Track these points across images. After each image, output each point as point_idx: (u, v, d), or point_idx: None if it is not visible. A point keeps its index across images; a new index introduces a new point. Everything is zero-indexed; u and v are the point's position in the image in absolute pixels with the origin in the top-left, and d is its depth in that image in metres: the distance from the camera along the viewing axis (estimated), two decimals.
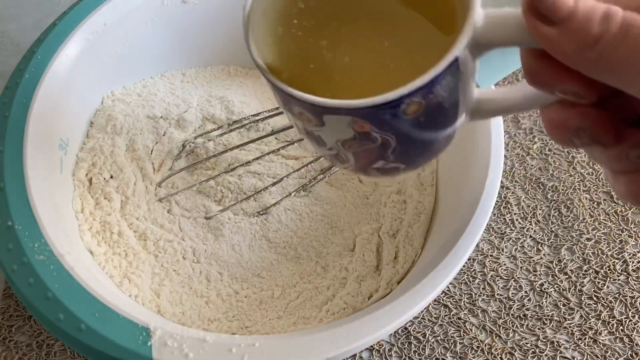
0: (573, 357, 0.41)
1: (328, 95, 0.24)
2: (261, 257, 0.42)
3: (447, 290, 0.44)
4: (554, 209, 0.48)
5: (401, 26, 0.26)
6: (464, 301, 0.43)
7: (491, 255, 0.46)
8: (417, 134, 0.26)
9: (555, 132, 0.23)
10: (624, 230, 0.47)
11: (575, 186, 0.50)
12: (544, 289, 0.44)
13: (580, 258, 0.46)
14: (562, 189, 0.49)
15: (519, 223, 0.48)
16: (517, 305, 0.43)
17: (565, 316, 0.43)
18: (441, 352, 0.41)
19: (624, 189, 0.23)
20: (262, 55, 0.26)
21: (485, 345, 0.41)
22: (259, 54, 0.26)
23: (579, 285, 0.45)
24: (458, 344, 0.41)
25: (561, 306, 0.43)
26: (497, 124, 0.40)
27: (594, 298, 0.44)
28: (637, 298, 0.44)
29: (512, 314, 0.43)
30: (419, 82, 0.23)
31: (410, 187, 0.45)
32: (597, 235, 0.47)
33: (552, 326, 0.43)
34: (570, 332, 0.42)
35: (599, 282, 0.45)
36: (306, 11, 0.27)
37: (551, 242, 0.47)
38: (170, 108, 0.47)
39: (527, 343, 0.42)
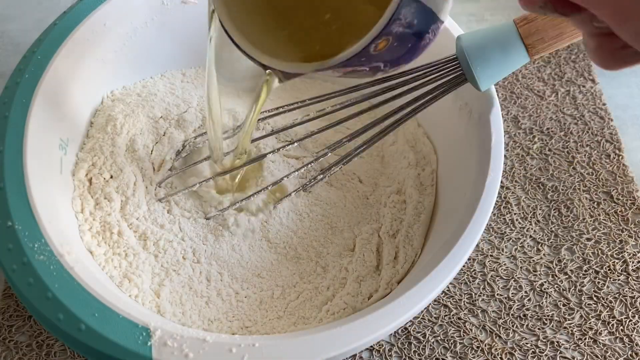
0: (573, 357, 0.41)
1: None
2: (261, 257, 0.42)
3: (447, 290, 0.44)
4: (554, 209, 0.48)
5: None
6: (464, 301, 0.43)
7: (491, 255, 0.46)
8: (399, 52, 0.27)
9: (525, 4, 0.26)
10: (624, 230, 0.47)
11: (575, 186, 0.50)
12: (544, 289, 0.44)
13: (580, 258, 0.46)
14: (562, 189, 0.49)
15: (519, 223, 0.48)
16: (517, 305, 0.43)
17: (565, 316, 0.43)
18: (441, 352, 0.41)
19: (592, 51, 0.26)
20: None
21: (485, 345, 0.41)
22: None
23: (579, 285, 0.44)
24: (458, 344, 0.41)
25: (561, 306, 0.43)
26: (497, 124, 0.40)
27: (594, 298, 0.44)
28: (637, 298, 0.44)
29: (512, 314, 0.43)
30: (374, 31, 0.24)
31: (410, 187, 0.45)
32: (597, 235, 0.47)
33: (552, 326, 0.43)
34: (570, 332, 0.42)
35: (599, 282, 0.45)
36: None
37: (551, 242, 0.47)
38: (170, 108, 0.47)
39: (527, 343, 0.42)
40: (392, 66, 0.28)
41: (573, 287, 0.44)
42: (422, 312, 0.43)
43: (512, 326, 0.42)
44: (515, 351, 0.41)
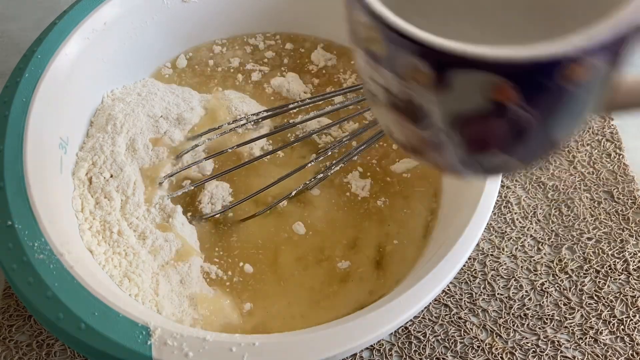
0: (574, 357, 0.41)
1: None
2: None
3: (448, 289, 0.44)
4: (555, 208, 0.48)
5: None
6: (464, 300, 0.43)
7: (492, 255, 0.46)
8: (562, 113, 0.19)
9: None
10: (625, 229, 0.47)
11: (575, 185, 0.50)
12: (545, 288, 0.44)
13: (581, 257, 0.46)
14: (563, 188, 0.49)
15: (520, 222, 0.47)
16: (518, 305, 0.43)
17: (566, 315, 0.43)
18: (441, 352, 0.41)
19: None
20: None
21: (485, 345, 0.41)
22: None
23: (580, 284, 0.44)
24: (458, 343, 0.41)
25: (562, 305, 0.43)
26: None
27: (595, 297, 0.44)
28: (637, 297, 0.44)
29: (512, 314, 0.43)
30: (611, 32, 0.16)
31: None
32: (598, 235, 0.47)
33: (553, 326, 0.42)
34: (571, 331, 0.42)
35: (599, 282, 0.45)
36: None
37: (552, 242, 0.47)
38: (170, 107, 0.47)
39: (527, 342, 0.42)
40: (523, 147, 0.20)
41: (574, 287, 0.44)
42: (422, 311, 0.42)
43: (513, 325, 0.42)
44: (515, 351, 0.41)
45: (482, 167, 0.22)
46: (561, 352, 0.41)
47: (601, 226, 0.47)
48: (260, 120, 0.47)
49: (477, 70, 0.17)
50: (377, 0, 0.18)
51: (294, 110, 0.48)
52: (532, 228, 0.47)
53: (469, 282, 0.44)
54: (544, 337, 0.42)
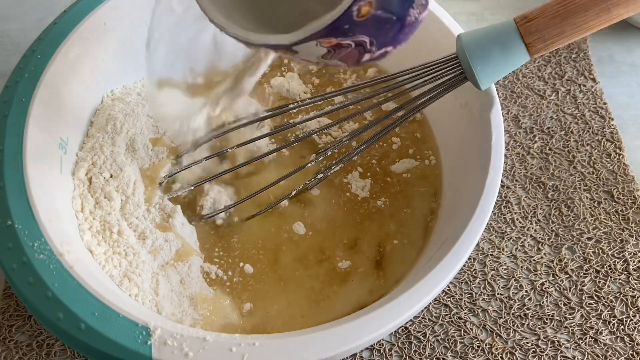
0: (574, 357, 0.41)
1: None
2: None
3: (448, 289, 0.44)
4: (555, 208, 0.48)
5: None
6: (464, 301, 0.43)
7: (492, 255, 0.46)
8: (384, 24, 0.27)
9: None
10: (625, 229, 0.47)
11: (575, 185, 0.50)
12: (545, 288, 0.44)
13: (581, 257, 0.46)
14: (563, 188, 0.49)
15: (520, 222, 0.47)
16: (518, 305, 0.43)
17: (566, 316, 0.43)
18: (441, 352, 0.41)
19: None
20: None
21: (485, 345, 0.41)
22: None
23: (580, 284, 0.44)
24: (458, 343, 0.41)
25: (562, 305, 0.43)
26: (498, 123, 0.40)
27: (595, 297, 0.44)
28: (637, 297, 0.44)
29: (512, 314, 0.43)
30: None
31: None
32: (598, 235, 0.47)
33: (553, 326, 0.42)
34: (571, 331, 0.42)
35: (599, 282, 0.45)
36: None
37: (552, 242, 0.47)
38: None
39: (527, 342, 0.42)
40: (381, 45, 0.28)
41: (574, 287, 0.44)
42: (422, 311, 0.42)
43: (513, 326, 0.42)
44: (515, 351, 0.41)
45: (373, 60, 0.30)
46: (561, 352, 0.41)
47: (601, 226, 0.47)
48: (260, 120, 0.47)
49: (307, 41, 0.27)
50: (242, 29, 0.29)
51: (294, 110, 0.48)
52: (532, 228, 0.47)
53: (469, 282, 0.44)
54: (544, 337, 0.42)
